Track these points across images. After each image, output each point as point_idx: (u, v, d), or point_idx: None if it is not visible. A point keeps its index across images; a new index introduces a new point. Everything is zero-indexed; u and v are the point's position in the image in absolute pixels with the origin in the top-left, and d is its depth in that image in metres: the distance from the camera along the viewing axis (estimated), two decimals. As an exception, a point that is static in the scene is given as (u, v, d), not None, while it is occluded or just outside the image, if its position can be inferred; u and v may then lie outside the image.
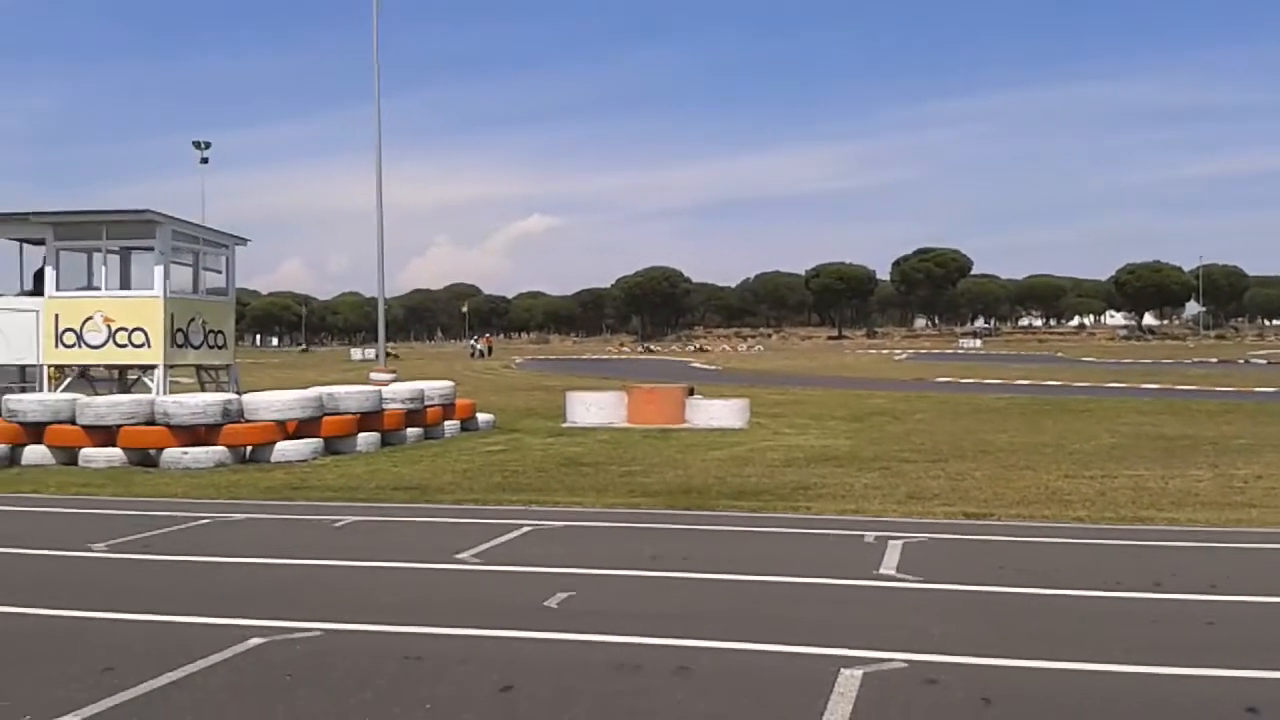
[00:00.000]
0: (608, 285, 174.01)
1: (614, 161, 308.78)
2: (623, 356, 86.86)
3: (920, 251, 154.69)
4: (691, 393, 22.20)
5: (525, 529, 10.00)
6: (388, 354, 37.47)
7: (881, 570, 8.07)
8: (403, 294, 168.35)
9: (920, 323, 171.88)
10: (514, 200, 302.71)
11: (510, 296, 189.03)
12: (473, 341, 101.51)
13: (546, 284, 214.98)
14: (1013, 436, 18.30)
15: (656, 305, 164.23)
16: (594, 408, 21.56)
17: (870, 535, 9.44)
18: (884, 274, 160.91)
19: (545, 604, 7.03)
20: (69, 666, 5.76)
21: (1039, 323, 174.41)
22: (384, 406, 17.64)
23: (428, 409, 18.68)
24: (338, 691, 5.33)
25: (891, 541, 9.08)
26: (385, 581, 8.01)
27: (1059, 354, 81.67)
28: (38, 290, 17.99)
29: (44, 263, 18.36)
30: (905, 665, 5.66)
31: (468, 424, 20.12)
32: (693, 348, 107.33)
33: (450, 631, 6.38)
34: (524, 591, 7.48)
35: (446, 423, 19.23)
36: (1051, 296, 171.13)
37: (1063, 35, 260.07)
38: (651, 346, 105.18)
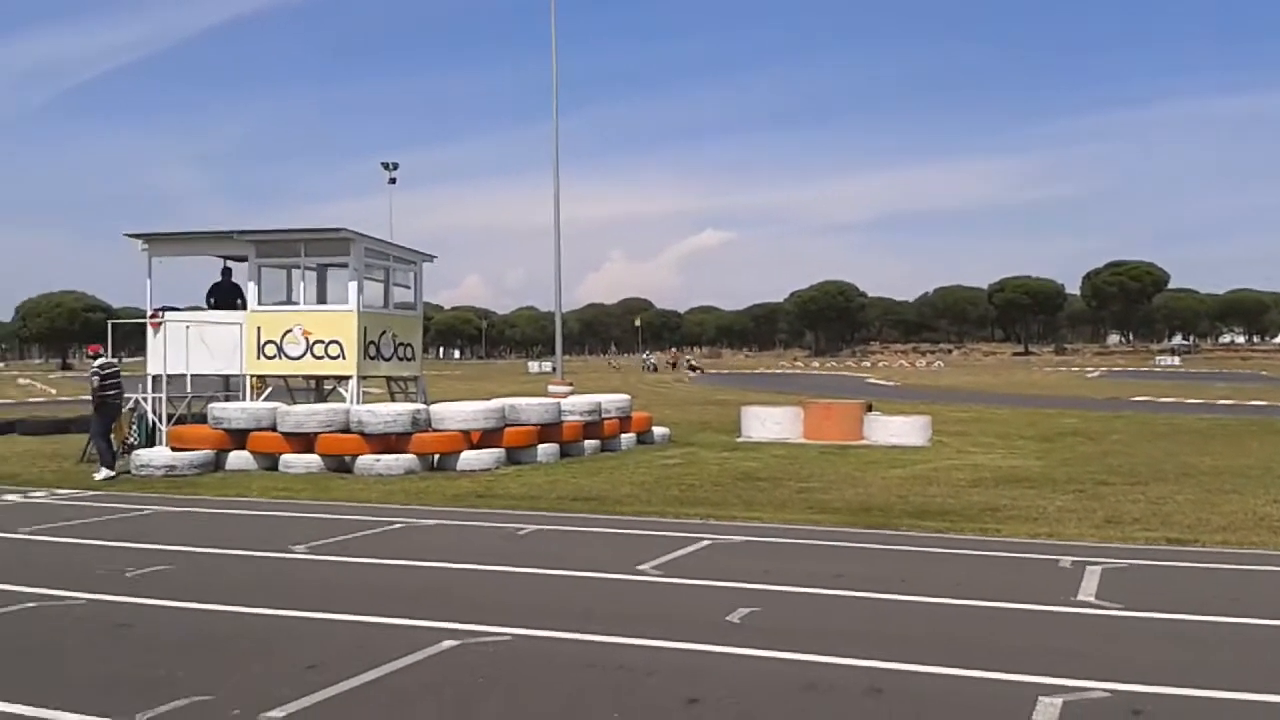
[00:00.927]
0: (780, 300, 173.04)
1: (788, 175, 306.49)
2: (796, 371, 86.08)
3: (1113, 264, 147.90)
4: (870, 409, 21.78)
5: (705, 542, 9.98)
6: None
7: (1079, 596, 7.69)
8: (578, 308, 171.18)
9: (1114, 339, 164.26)
10: (687, 215, 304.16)
11: (682, 311, 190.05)
12: (646, 355, 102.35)
13: (718, 299, 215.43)
14: (1217, 459, 17.23)
15: (831, 320, 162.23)
16: (769, 422, 21.39)
17: (1066, 560, 9.03)
18: (1072, 288, 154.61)
19: (728, 619, 6.97)
20: (275, 663, 6.03)
21: (1241, 339, 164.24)
22: (563, 418, 17.94)
23: (605, 421, 18.90)
24: (528, 696, 5.41)
25: (1089, 567, 8.65)
26: (570, 590, 8.11)
27: (1264, 372, 76.69)
28: (217, 306, 19.02)
29: (221, 278, 19.37)
30: (1108, 695, 5.37)
31: (644, 437, 20.27)
32: (868, 364, 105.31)
33: (636, 642, 6.40)
34: (707, 605, 7.45)
35: (623, 435, 19.42)
36: (1255, 312, 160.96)
37: (1266, 36, 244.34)
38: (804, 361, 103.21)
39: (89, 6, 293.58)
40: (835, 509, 12.12)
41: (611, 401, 19.71)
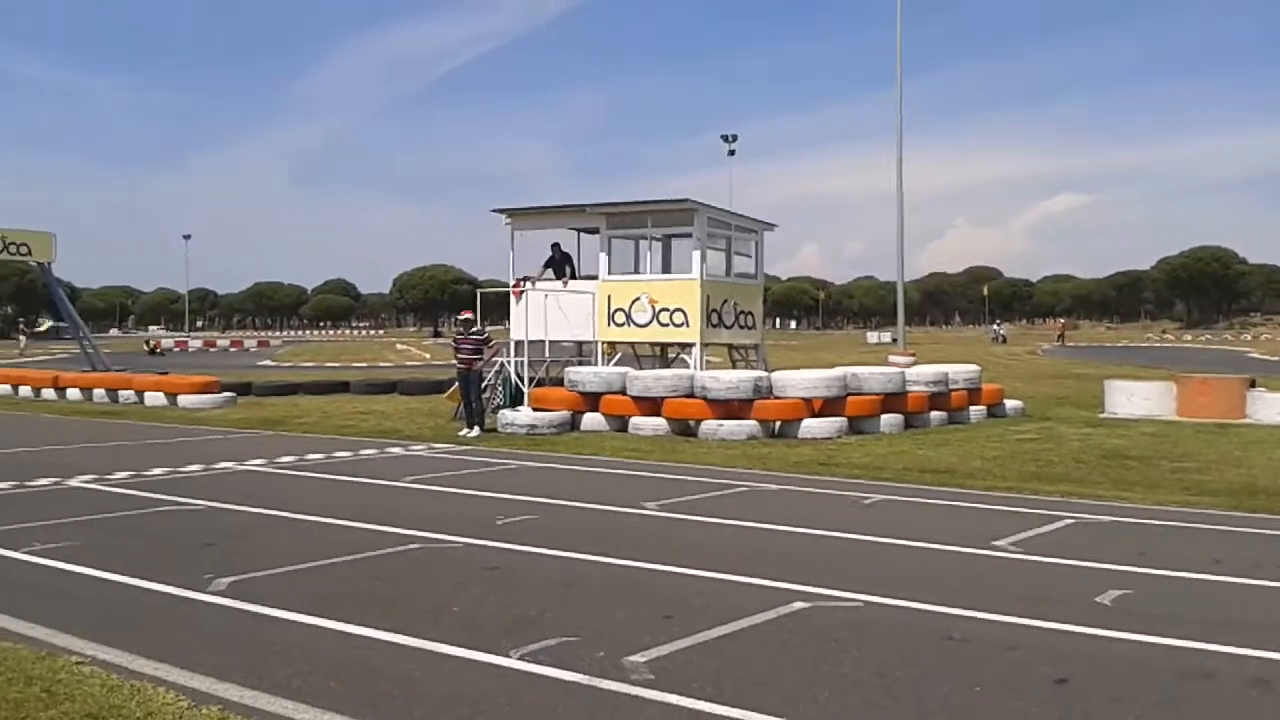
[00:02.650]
0: (1146, 267, 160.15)
1: (1152, 132, 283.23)
2: (1165, 345, 79.45)
3: None
4: (1253, 385, 19.71)
5: (1067, 521, 9.40)
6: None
7: None
8: (919, 278, 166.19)
9: None
10: (1038, 178, 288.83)
11: (1034, 280, 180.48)
12: (995, 327, 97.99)
13: (1074, 266, 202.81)
14: None
15: (1205, 289, 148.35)
16: (1136, 398, 19.85)
17: None
18: None
19: (1097, 600, 6.51)
20: (634, 610, 6.25)
21: None
22: (907, 389, 17.50)
23: (952, 392, 18.26)
24: (881, 661, 5.29)
25: None
26: (922, 561, 7.88)
27: None
28: (557, 276, 19.89)
29: (552, 253, 20.18)
30: None
31: (994, 410, 19.40)
32: (1247, 336, 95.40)
33: (994, 617, 6.10)
34: (1072, 585, 7.01)
35: (971, 408, 18.68)
36: None
37: None
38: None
39: (448, 5, 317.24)
40: (1214, 491, 11.07)
41: (959, 372, 19.01)
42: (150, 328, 73.34)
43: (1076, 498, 10.75)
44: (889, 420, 16.88)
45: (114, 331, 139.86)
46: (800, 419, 16.10)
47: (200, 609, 6.34)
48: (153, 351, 54.81)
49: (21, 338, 69.59)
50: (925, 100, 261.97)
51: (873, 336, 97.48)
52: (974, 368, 20.07)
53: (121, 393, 24.64)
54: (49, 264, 30.87)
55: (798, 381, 16.48)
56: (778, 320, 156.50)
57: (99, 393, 25.11)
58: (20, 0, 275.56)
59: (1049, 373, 37.35)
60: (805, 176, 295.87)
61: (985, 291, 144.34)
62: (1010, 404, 20.01)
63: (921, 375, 18.20)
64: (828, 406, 16.41)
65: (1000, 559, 7.90)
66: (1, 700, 4.59)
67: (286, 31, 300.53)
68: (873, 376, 17.26)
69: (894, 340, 37.13)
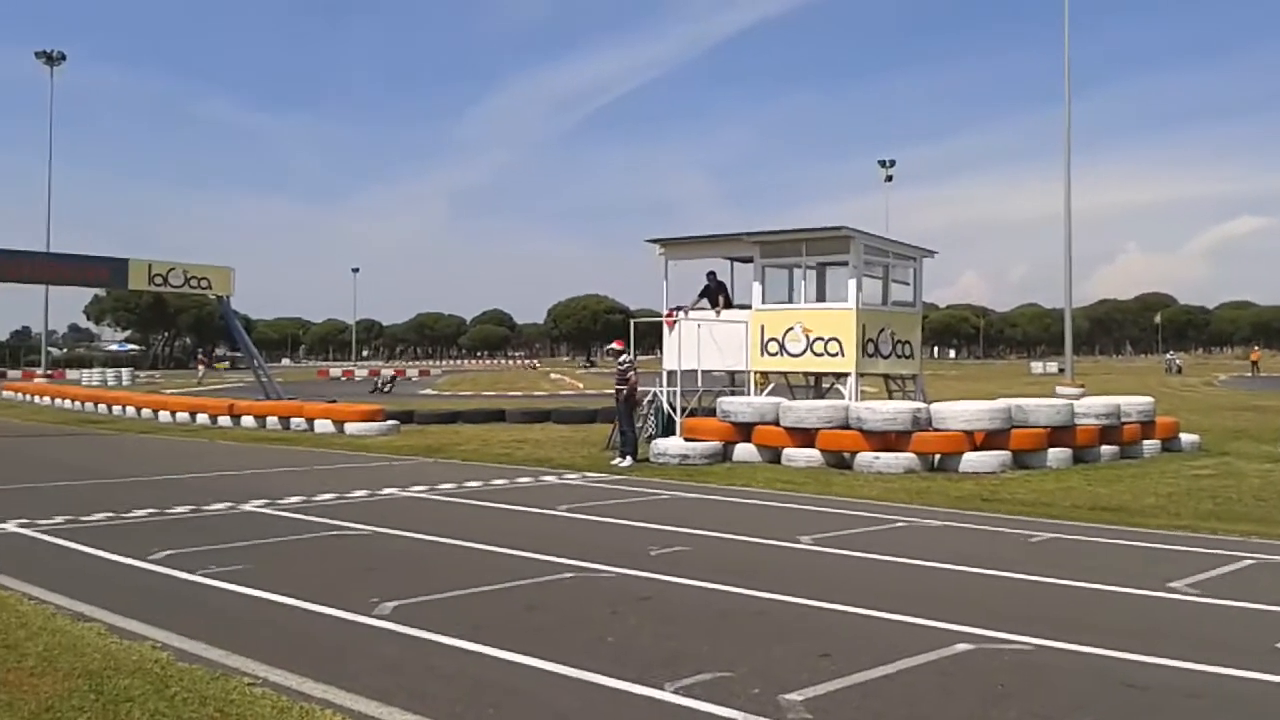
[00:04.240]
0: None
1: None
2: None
3: None
4: None
5: (1247, 561, 8.87)
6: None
7: None
8: (1087, 304, 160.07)
9: None
10: (1215, 200, 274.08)
11: (1211, 307, 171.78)
12: (1169, 356, 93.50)
13: (1253, 292, 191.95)
14: None
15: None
16: (1324, 431, 18.62)
17: None
18: None
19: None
20: (789, 647, 6.14)
21: None
22: (1075, 421, 16.83)
23: (1124, 425, 17.46)
24: (1051, 708, 5.06)
25: None
26: (1093, 602, 7.52)
27: None
28: (711, 305, 19.83)
29: (708, 282, 20.13)
30: None
31: (1169, 444, 18.45)
32: None
33: (1172, 663, 5.77)
34: (1254, 629, 6.63)
35: (1145, 441, 17.82)
36: None
37: None
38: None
39: (609, 39, 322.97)
40: None
41: (1131, 404, 18.17)
42: (384, 370, 74.57)
43: (1258, 537, 10.14)
44: (1056, 454, 16.24)
45: (285, 361, 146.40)
46: (961, 452, 15.65)
47: (366, 632, 6.52)
48: (379, 389, 49.37)
49: (200, 368, 73.50)
50: (1093, 119, 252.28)
51: (1037, 366, 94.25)
52: (1147, 399, 19.16)
53: (293, 420, 25.74)
54: (227, 297, 32.53)
55: (958, 413, 16.04)
56: (936, 349, 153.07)
57: (272, 420, 26.29)
58: (201, 42, 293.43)
59: (1227, 405, 35.36)
60: (966, 200, 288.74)
61: (1158, 319, 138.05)
62: (1186, 438, 19.02)
63: (1091, 407, 17.48)
64: (990, 439, 15.91)
65: (1177, 601, 7.48)
66: (176, 719, 4.80)
67: (452, 71, 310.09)
68: (1039, 408, 16.66)
69: (1061, 370, 35.83)
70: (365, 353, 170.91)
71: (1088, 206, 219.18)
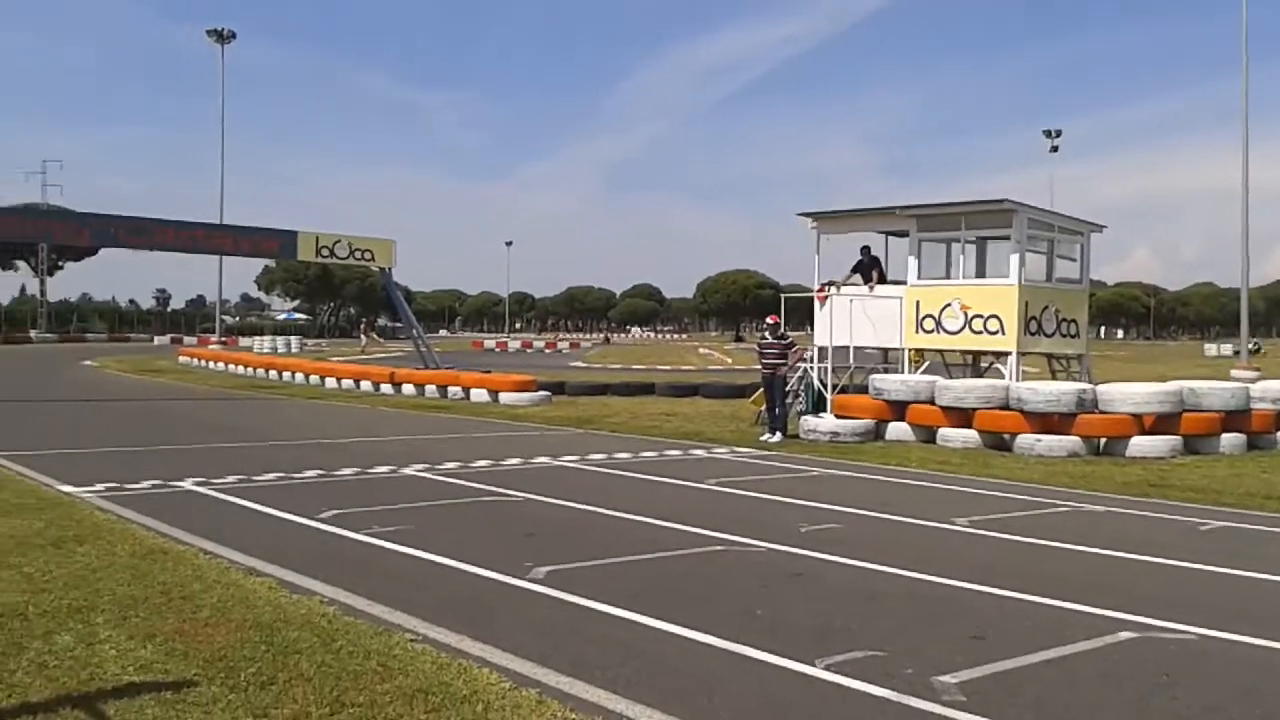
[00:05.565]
0: None
1: None
2: None
3: None
4: None
5: None
6: (1251, 350, 34.02)
7: None
8: (1266, 284, 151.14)
9: None
10: None
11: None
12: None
13: None
14: None
15: None
16: None
17: None
18: None
19: None
20: (943, 629, 6.03)
21: None
22: (1252, 406, 15.97)
23: (1306, 411, 16.48)
24: (1219, 698, 4.86)
25: None
26: (1266, 593, 7.17)
27: None
28: (864, 280, 19.43)
29: (861, 256, 19.71)
30: None
31: (1356, 432, 17.32)
32: None
33: (1359, 665, 5.45)
34: None
35: (1329, 429, 16.78)
36: None
37: None
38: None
39: (763, 8, 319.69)
40: None
41: (1313, 389, 17.12)
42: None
43: None
44: (1230, 440, 15.45)
45: (443, 332, 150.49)
46: (1128, 436, 15.03)
47: (521, 595, 6.68)
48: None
49: (363, 337, 76.21)
50: (1273, 87, 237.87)
51: (1211, 348, 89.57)
52: (1332, 385, 18.01)
53: (450, 389, 26.47)
54: (389, 269, 33.58)
55: (1126, 395, 15.39)
56: (1103, 329, 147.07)
57: (430, 388, 27.10)
58: (361, 18, 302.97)
59: None
60: (1137, 173, 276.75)
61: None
62: (1376, 426, 17.81)
63: (1269, 391, 16.55)
64: (1160, 423, 15.23)
65: (1366, 600, 7.04)
66: (342, 671, 5.01)
67: (605, 45, 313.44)
68: (1213, 392, 15.86)
69: (1237, 353, 33.96)
70: (518, 325, 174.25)
71: (1267, 180, 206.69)
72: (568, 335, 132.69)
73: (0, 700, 4.55)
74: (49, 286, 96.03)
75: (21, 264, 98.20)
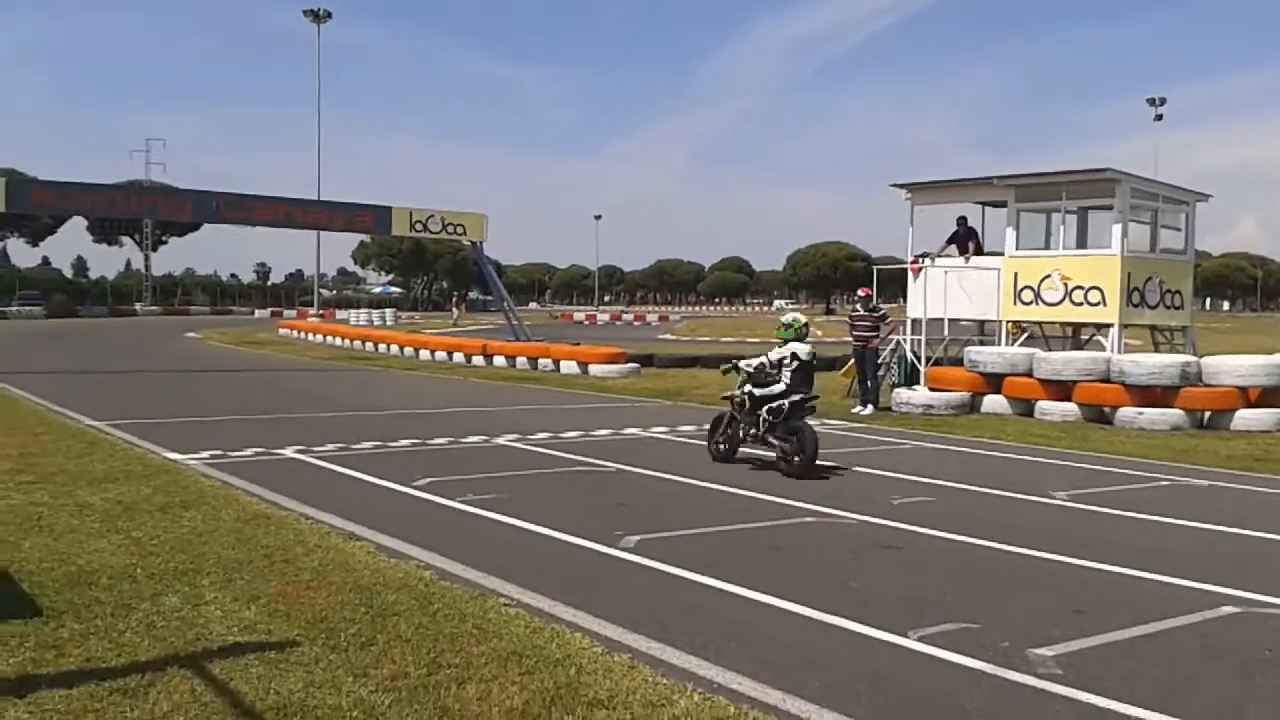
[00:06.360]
0: None
1: None
2: None
3: None
4: None
5: None
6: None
7: None
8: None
9: None
10: None
11: None
12: None
13: None
14: None
15: None
16: None
17: None
18: None
19: None
20: (1040, 602, 5.94)
21: None
22: (1364, 378, 15.37)
23: None
24: (1333, 685, 4.69)
25: None
26: (1383, 574, 6.91)
27: None
28: (960, 252, 19.03)
29: (957, 227, 19.30)
30: None
31: None
32: None
33: None
34: None
35: None
36: None
37: None
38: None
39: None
40: None
41: None
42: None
43: None
44: (1339, 414, 14.91)
45: (533, 305, 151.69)
46: (1234, 409, 14.60)
47: (612, 563, 6.75)
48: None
49: (455, 310, 77.25)
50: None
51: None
52: None
53: (540, 360, 26.72)
54: (480, 243, 33.93)
55: (1232, 368, 14.92)
56: (1208, 301, 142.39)
57: (521, 360, 27.38)
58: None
59: None
60: (1244, 141, 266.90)
61: None
62: None
63: (1382, 364, 15.89)
64: (1266, 396, 14.74)
65: None
66: (439, 633, 5.12)
67: (695, 21, 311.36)
68: (1321, 364, 15.31)
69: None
70: (607, 298, 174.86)
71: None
72: (656, 308, 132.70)
73: (110, 659, 4.74)
74: (153, 261, 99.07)
75: (127, 240, 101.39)
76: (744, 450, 11.09)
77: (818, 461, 10.36)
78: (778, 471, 10.39)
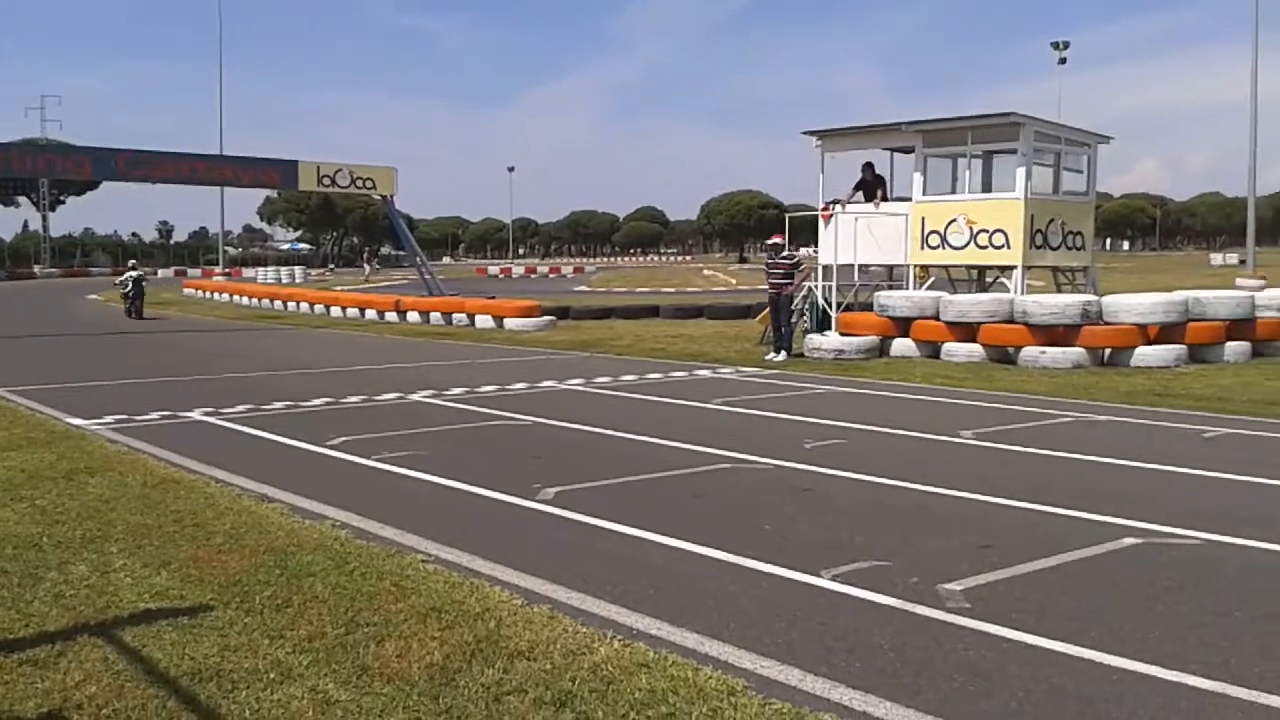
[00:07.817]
0: None
1: None
2: None
3: None
4: None
5: None
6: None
7: None
8: (1272, 193, 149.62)
9: None
10: None
11: None
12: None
13: None
14: None
15: None
16: None
17: None
18: None
19: None
20: (948, 539, 6.10)
21: None
22: (1256, 314, 15.98)
23: (1309, 319, 16.46)
24: (1221, 603, 4.92)
25: None
26: (1269, 497, 7.24)
27: None
28: (867, 198, 19.27)
29: (863, 174, 19.50)
30: None
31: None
32: None
33: (1360, 565, 5.51)
34: None
35: (1333, 336, 16.78)
36: None
37: None
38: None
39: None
40: None
41: (1319, 296, 17.08)
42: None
43: None
44: (1234, 349, 15.48)
45: (446, 259, 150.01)
46: (1133, 347, 15.05)
47: (530, 516, 6.76)
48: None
49: (366, 266, 76.08)
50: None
51: (1217, 258, 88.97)
52: (1337, 292, 17.96)
53: (454, 315, 26.50)
54: (391, 196, 33.39)
55: (1132, 306, 15.37)
56: (1108, 241, 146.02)
57: (435, 315, 27.13)
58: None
59: None
60: (1144, 84, 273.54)
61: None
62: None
63: (1274, 299, 16.51)
64: (1165, 333, 15.24)
65: (1368, 503, 7.10)
66: (356, 593, 5.09)
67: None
68: (1217, 301, 15.85)
69: (1242, 262, 33.81)
70: (521, 251, 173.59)
71: (1276, 89, 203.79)
72: (571, 260, 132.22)
73: (18, 630, 4.63)
74: (51, 222, 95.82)
75: (23, 200, 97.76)
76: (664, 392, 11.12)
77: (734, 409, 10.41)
78: (692, 417, 10.47)
